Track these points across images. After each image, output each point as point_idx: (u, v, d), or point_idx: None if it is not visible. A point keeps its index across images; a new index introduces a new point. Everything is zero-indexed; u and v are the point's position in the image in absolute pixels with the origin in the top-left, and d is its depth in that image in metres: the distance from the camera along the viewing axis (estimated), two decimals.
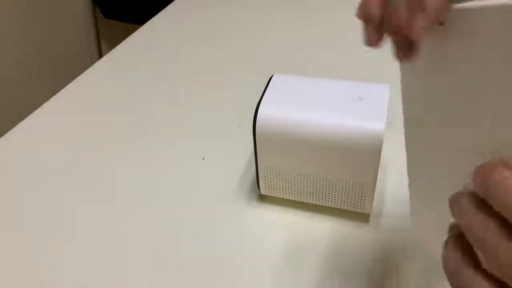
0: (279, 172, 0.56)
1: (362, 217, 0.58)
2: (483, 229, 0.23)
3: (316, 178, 0.54)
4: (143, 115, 0.77)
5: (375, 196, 0.54)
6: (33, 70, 1.77)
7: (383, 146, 0.50)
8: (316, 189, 0.56)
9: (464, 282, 0.23)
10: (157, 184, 0.64)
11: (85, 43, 2.01)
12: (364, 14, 0.29)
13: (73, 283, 0.52)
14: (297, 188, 0.57)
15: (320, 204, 0.58)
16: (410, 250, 0.53)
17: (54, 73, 1.84)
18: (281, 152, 0.54)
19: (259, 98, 0.54)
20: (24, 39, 1.70)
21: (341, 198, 0.55)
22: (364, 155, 0.50)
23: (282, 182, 0.57)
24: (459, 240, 0.25)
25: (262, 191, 0.59)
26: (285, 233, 0.56)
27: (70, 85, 0.85)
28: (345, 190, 0.54)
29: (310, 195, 0.57)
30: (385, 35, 0.29)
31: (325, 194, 0.56)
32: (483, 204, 0.23)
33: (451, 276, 0.24)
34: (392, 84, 0.57)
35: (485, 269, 0.23)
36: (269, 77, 0.57)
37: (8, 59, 1.65)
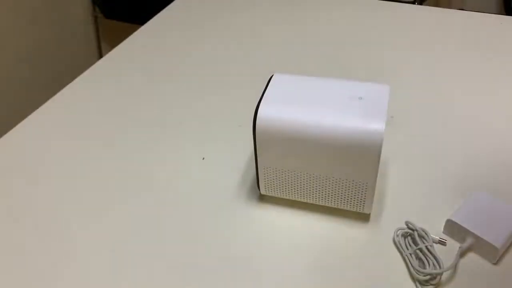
0: (279, 172, 0.56)
1: (362, 217, 0.58)
2: None
3: (316, 178, 0.54)
4: (142, 115, 0.77)
5: (375, 196, 0.54)
6: (33, 70, 1.76)
7: (383, 146, 0.50)
8: (316, 189, 0.56)
9: None
10: (157, 184, 0.64)
11: (85, 43, 2.01)
12: None
13: (74, 281, 0.52)
14: (297, 188, 0.57)
15: (320, 204, 0.58)
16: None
17: (54, 73, 1.84)
18: (281, 152, 0.54)
19: (259, 98, 0.54)
20: (24, 39, 1.70)
21: (341, 198, 0.55)
22: (364, 155, 0.50)
23: (282, 182, 0.57)
24: None
25: (262, 191, 0.59)
26: (285, 233, 0.57)
27: (70, 85, 0.85)
28: (345, 190, 0.54)
29: (310, 195, 0.57)
30: None
31: (325, 194, 0.56)
32: None
33: None
34: (392, 84, 0.57)
35: None
36: (269, 77, 0.57)
37: (8, 59, 1.65)
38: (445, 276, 0.51)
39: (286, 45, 0.93)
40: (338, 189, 0.55)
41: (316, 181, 0.55)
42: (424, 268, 0.51)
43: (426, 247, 0.52)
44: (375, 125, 0.50)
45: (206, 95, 0.81)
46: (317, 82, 0.56)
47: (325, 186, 0.55)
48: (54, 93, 0.83)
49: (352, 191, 0.54)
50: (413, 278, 0.51)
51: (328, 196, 0.56)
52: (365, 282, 0.51)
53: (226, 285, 0.51)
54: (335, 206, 0.57)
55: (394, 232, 0.55)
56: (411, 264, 0.51)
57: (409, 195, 0.60)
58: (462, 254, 0.53)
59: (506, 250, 0.53)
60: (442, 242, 0.54)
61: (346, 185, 0.54)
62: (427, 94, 0.78)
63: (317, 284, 0.51)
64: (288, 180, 0.56)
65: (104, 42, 2.08)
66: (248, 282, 0.51)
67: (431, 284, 0.50)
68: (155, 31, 1.00)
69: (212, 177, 0.65)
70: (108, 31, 2.07)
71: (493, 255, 0.52)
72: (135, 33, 1.00)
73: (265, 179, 0.57)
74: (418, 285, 0.50)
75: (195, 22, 1.03)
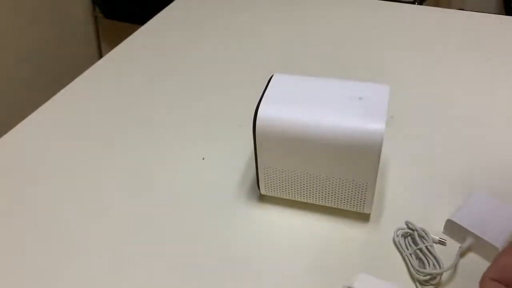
0: (279, 172, 0.56)
1: (362, 217, 0.58)
2: None
3: (316, 178, 0.54)
4: (142, 115, 0.77)
5: (375, 196, 0.54)
6: (33, 70, 1.77)
7: (383, 146, 0.50)
8: (316, 189, 0.56)
9: None
10: (157, 184, 0.64)
11: (85, 43, 2.01)
12: None
13: (74, 281, 0.52)
14: (297, 188, 0.57)
15: (320, 204, 0.58)
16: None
17: (54, 73, 1.84)
18: (281, 152, 0.54)
19: (259, 98, 0.54)
20: (24, 39, 1.70)
21: (341, 198, 0.55)
22: (364, 155, 0.50)
23: (282, 182, 0.57)
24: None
25: (262, 191, 0.59)
26: (285, 233, 0.57)
27: (70, 85, 0.85)
28: (345, 190, 0.54)
29: (310, 195, 0.57)
30: None
31: (325, 194, 0.56)
32: None
33: None
34: (392, 84, 0.57)
35: None
36: (269, 77, 0.57)
37: (8, 59, 1.65)
38: (445, 276, 0.51)
39: (286, 45, 0.93)
40: (338, 189, 0.55)
41: (316, 181, 0.55)
42: (424, 268, 0.51)
43: (426, 247, 0.52)
44: (375, 125, 0.50)
45: (206, 95, 0.81)
46: (317, 82, 0.56)
47: (325, 186, 0.55)
48: (54, 93, 0.83)
49: (352, 191, 0.54)
50: (413, 278, 0.51)
51: (328, 196, 0.56)
52: None
53: (226, 285, 0.51)
54: (335, 206, 0.57)
55: (394, 232, 0.55)
56: (411, 264, 0.51)
57: (409, 195, 0.60)
58: (462, 254, 0.53)
59: None
60: (442, 242, 0.54)
61: (346, 185, 0.54)
62: (427, 94, 0.78)
63: (317, 284, 0.51)
64: (288, 180, 0.56)
65: (104, 42, 2.08)
66: (248, 282, 0.51)
67: (431, 284, 0.50)
68: (155, 31, 1.00)
69: (212, 177, 0.65)
70: (108, 31, 2.07)
71: (493, 255, 0.52)
72: (135, 33, 1.00)
73: (265, 179, 0.57)
74: (418, 285, 0.50)
75: (195, 22, 1.03)
